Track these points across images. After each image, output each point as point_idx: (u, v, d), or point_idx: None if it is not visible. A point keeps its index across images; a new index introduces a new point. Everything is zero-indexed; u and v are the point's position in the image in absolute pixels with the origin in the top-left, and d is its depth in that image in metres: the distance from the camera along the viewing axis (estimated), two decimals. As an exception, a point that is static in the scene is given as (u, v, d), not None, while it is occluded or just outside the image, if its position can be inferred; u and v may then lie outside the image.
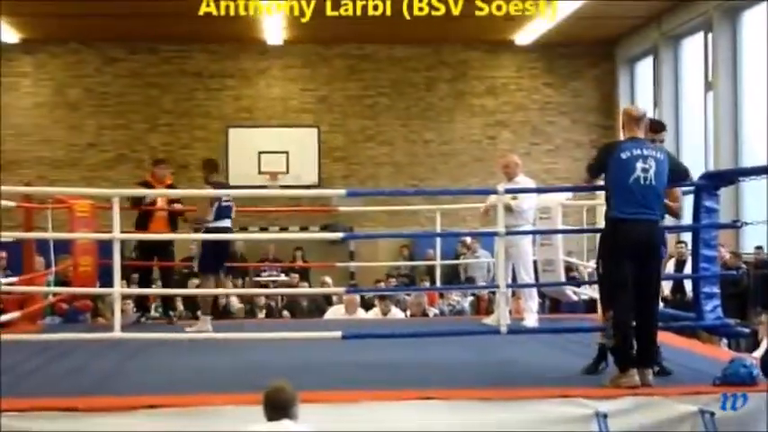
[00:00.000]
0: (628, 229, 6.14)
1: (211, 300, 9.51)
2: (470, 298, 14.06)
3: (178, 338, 8.12)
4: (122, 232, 7.30)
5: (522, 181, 9.43)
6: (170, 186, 10.38)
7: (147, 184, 10.31)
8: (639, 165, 6.12)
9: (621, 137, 6.51)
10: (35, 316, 9.93)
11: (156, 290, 9.77)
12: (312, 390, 5.58)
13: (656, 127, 6.87)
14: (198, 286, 10.40)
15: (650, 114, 17.40)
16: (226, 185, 8.94)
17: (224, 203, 8.96)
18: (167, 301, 11.11)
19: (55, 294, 10.38)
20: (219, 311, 13.33)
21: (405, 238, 18.80)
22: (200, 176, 9.65)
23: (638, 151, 6.16)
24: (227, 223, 9.04)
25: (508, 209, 8.90)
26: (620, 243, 6.17)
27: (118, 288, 7.21)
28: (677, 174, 6.58)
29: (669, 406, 5.81)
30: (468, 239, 16.07)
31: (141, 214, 10.13)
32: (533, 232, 9.46)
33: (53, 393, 5.97)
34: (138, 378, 6.81)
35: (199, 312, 9.30)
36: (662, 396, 5.87)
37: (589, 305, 11.69)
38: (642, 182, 6.12)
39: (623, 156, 6.16)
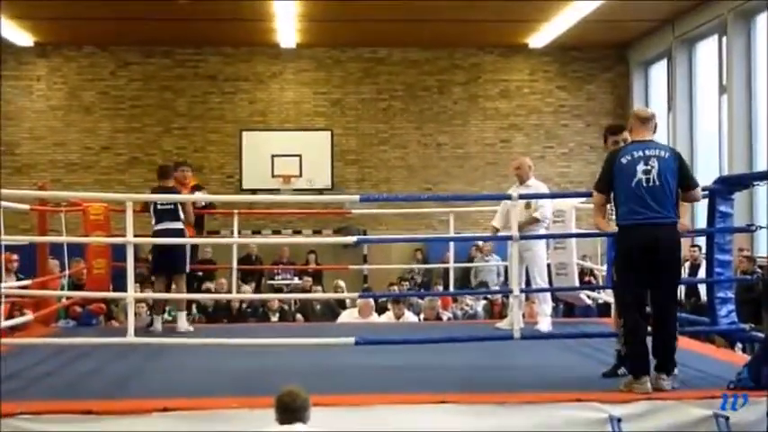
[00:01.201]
0: (633, 234, 6.04)
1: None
2: (483, 302, 14.03)
3: (192, 343, 8.13)
4: (136, 236, 7.33)
5: (534, 184, 9.40)
6: (194, 187, 10.44)
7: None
8: (641, 167, 6.01)
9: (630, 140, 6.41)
10: (49, 319, 9.97)
11: (169, 294, 9.80)
12: (325, 393, 5.59)
13: (614, 129, 6.89)
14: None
15: (664, 118, 17.49)
16: (169, 191, 9.50)
17: (160, 207, 9.38)
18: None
19: (68, 297, 10.41)
20: (233, 315, 13.37)
21: (418, 242, 18.75)
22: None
23: (639, 153, 6.06)
24: (164, 226, 9.35)
25: (535, 220, 8.96)
26: (627, 249, 6.10)
27: (131, 292, 7.25)
28: (685, 180, 6.20)
29: (683, 410, 5.80)
30: (481, 242, 16.03)
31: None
32: (548, 236, 9.41)
33: (68, 396, 6.00)
34: (152, 381, 6.84)
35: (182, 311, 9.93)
36: (676, 400, 5.86)
37: (603, 309, 11.66)
38: (645, 183, 6.00)
39: (623, 160, 6.09)
